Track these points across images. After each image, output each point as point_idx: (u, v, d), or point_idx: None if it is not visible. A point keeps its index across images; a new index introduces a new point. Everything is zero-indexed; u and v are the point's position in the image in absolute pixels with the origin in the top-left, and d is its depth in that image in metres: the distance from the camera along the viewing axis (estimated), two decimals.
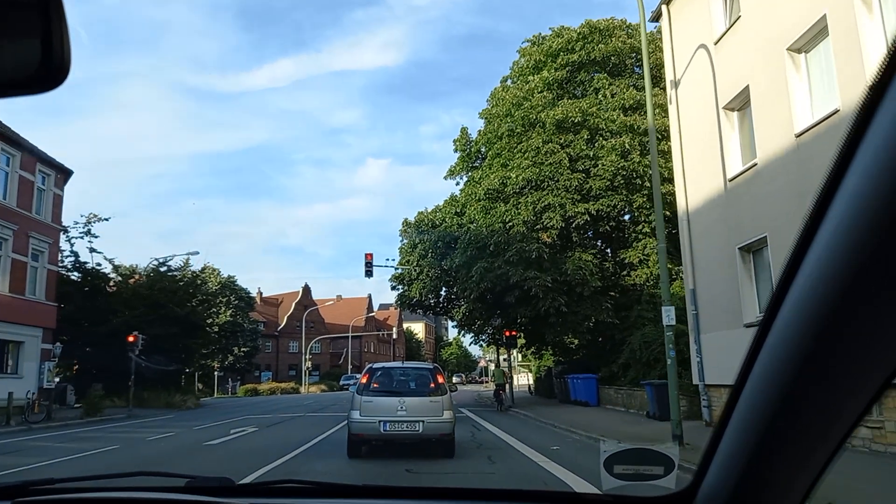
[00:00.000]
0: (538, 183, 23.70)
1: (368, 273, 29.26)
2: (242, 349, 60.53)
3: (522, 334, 28.64)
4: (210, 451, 11.48)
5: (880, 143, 0.65)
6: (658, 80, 26.32)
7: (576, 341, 27.14)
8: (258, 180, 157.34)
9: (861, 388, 0.81)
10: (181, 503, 1.34)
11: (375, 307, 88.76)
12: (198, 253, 49.85)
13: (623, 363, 21.92)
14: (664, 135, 23.78)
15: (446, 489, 1.59)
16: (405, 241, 30.61)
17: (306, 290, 77.75)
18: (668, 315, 10.57)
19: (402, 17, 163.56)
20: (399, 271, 30.74)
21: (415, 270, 29.56)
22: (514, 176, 24.04)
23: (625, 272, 24.94)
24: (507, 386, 27.23)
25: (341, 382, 55.37)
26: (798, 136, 10.14)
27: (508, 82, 28.57)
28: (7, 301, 23.29)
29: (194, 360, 39.54)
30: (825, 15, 9.45)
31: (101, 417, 22.25)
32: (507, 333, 26.74)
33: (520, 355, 46.67)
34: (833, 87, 9.38)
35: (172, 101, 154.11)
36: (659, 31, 27.41)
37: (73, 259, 31.04)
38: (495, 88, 28.80)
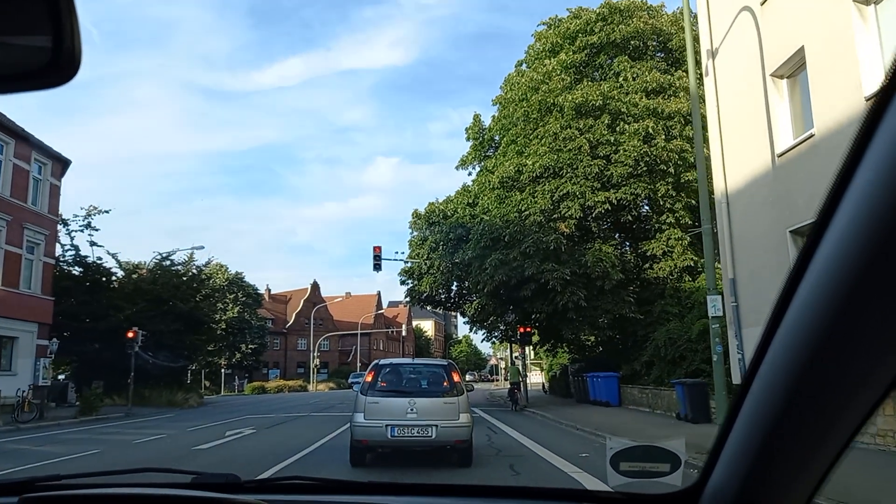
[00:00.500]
0: (556, 170, 22.38)
1: (377, 266, 28.02)
2: (250, 346, 59.64)
3: (537, 331, 27.36)
4: (196, 457, 10.30)
5: (893, 137, 0.64)
6: (680, 62, 25.02)
7: (591, 338, 25.85)
8: (268, 178, 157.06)
9: (870, 386, 0.80)
10: (187, 499, 1.26)
11: (385, 305, 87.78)
12: (203, 247, 49.05)
13: (646, 361, 20.64)
14: (689, 119, 22.44)
15: (454, 486, 1.61)
16: (415, 233, 29.39)
17: (315, 286, 76.73)
18: (714, 305, 9.30)
19: (411, 15, 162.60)
20: (409, 265, 29.52)
21: (425, 264, 28.34)
22: (530, 163, 22.74)
23: (647, 265, 23.57)
24: (522, 384, 25.95)
25: (350, 380, 54.27)
26: (869, 99, 8.81)
27: (523, 66, 27.23)
28: (0, 295, 22.32)
29: (198, 356, 38.61)
30: None
31: (96, 417, 21.23)
32: (522, 329, 25.45)
33: (532, 353, 45.42)
34: None
35: (182, 99, 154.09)
36: (681, 13, 26.23)
37: (73, 253, 30.14)
38: (509, 74, 27.52)
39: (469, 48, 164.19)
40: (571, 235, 22.77)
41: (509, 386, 25.87)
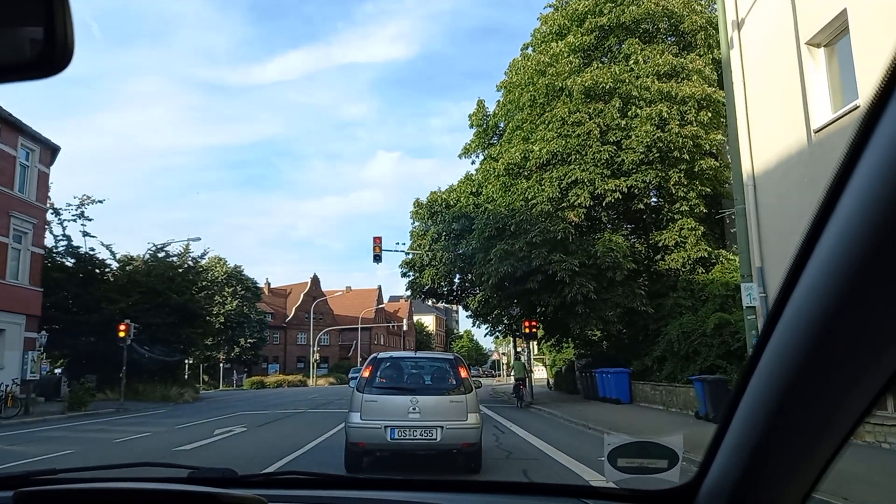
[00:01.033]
0: (564, 156, 21.40)
1: (377, 258, 27.08)
2: (249, 340, 58.77)
3: (542, 325, 26.42)
4: (175, 459, 9.38)
5: (894, 131, 0.64)
6: (692, 45, 24.01)
7: (598, 333, 24.94)
8: (269, 173, 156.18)
9: (867, 383, 0.80)
10: (183, 494, 1.20)
11: (385, 299, 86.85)
12: (199, 239, 47.97)
13: (658, 356, 19.74)
14: (703, 104, 21.48)
15: (454, 481, 1.62)
16: (417, 223, 28.43)
17: (315, 280, 75.82)
18: (750, 294, 8.38)
19: (412, 10, 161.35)
20: (410, 256, 28.62)
21: (427, 255, 27.41)
22: (537, 149, 21.76)
23: (658, 256, 22.62)
24: (528, 380, 25.05)
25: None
26: None
27: (529, 50, 26.21)
28: None
29: (195, 350, 37.73)
30: None
31: (85, 412, 20.40)
32: (527, 323, 24.50)
33: (535, 348, 44.58)
34: None
35: (183, 94, 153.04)
36: None
37: (65, 244, 29.25)
38: (515, 59, 26.46)
39: (470, 43, 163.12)
40: (580, 225, 21.84)
41: (514, 382, 24.98)
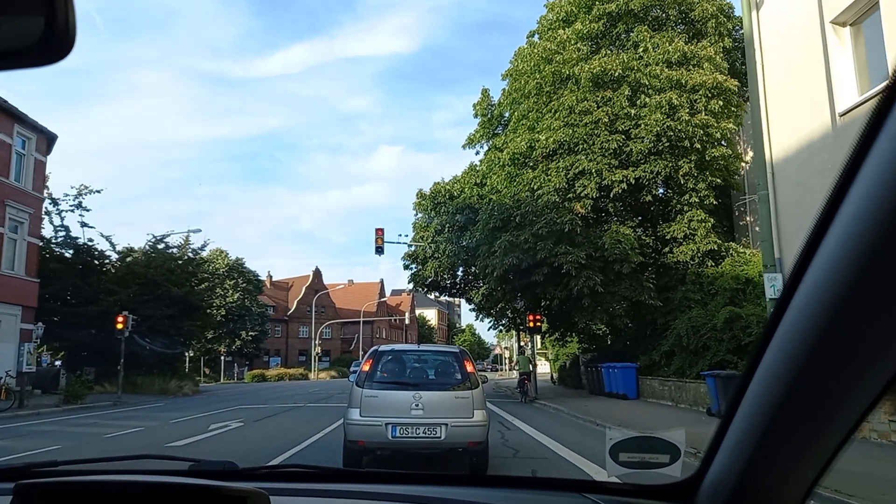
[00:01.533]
0: (571, 146, 20.85)
1: (379, 250, 26.60)
2: (250, 333, 58.40)
3: (546, 319, 25.94)
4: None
5: None
6: (703, 33, 23.38)
7: (603, 327, 24.46)
8: (272, 166, 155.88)
9: (870, 380, 0.80)
10: (184, 486, 1.19)
11: (388, 292, 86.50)
12: (199, 230, 47.52)
13: (666, 351, 19.27)
14: (714, 92, 20.88)
15: (456, 475, 1.67)
16: (420, 215, 27.91)
17: (317, 273, 75.42)
18: (774, 285, 7.87)
19: (416, 2, 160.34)
20: (412, 249, 28.11)
21: (430, 248, 26.91)
22: (543, 138, 21.21)
23: (667, 248, 22.10)
24: (532, 375, 24.60)
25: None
26: None
27: (535, 38, 25.61)
28: None
29: (195, 343, 37.37)
30: None
31: (81, 405, 20.01)
32: (531, 317, 24.01)
33: (539, 342, 44.15)
34: None
35: (187, 87, 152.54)
36: None
37: (64, 234, 28.85)
38: (520, 47, 25.82)
39: (473, 37, 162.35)
40: (587, 216, 21.32)
41: (518, 376, 24.54)
